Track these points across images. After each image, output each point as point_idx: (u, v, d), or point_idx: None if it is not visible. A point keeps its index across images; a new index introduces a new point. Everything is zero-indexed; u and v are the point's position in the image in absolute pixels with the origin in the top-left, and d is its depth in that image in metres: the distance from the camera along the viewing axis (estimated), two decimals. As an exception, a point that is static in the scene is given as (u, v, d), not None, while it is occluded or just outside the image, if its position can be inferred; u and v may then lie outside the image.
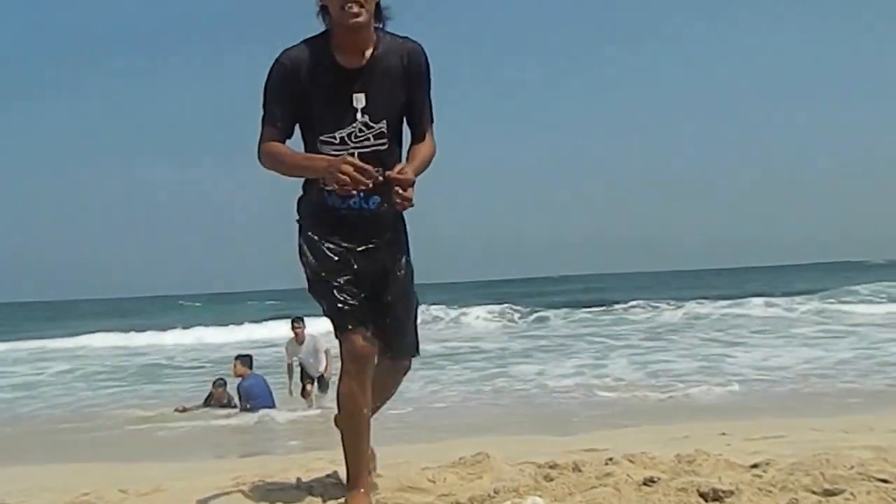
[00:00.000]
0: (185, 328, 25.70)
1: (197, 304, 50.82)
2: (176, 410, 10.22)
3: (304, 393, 10.46)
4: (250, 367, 10.24)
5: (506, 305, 26.77)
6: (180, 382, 13.72)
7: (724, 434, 4.68)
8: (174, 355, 18.93)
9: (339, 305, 2.73)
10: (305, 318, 10.54)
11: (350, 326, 2.71)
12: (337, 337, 2.75)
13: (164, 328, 25.69)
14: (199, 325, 26.34)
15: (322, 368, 10.55)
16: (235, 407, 10.11)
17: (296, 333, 10.58)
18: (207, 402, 10.33)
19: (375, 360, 2.79)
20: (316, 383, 10.60)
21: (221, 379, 10.78)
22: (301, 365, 10.60)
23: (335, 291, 2.74)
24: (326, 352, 10.47)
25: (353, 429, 2.79)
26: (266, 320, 25.93)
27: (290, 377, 10.64)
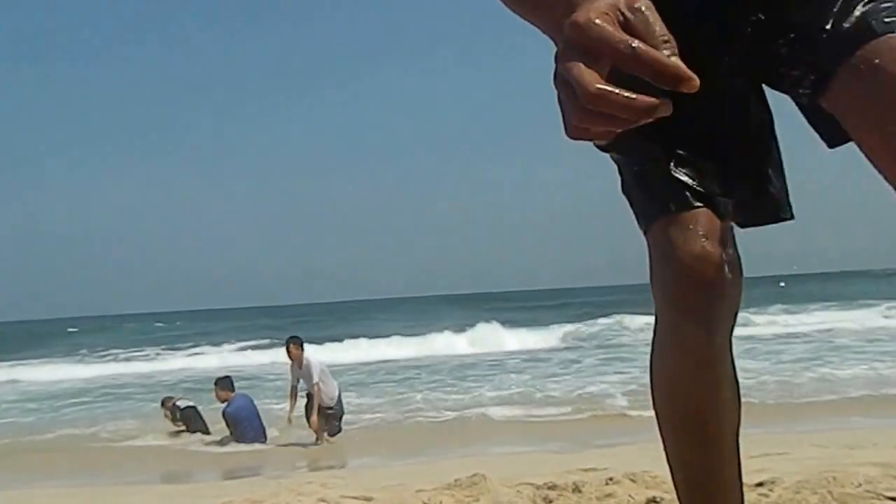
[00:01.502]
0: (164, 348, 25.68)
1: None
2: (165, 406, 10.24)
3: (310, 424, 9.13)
4: (231, 389, 9.76)
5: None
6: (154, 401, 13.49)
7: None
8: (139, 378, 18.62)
9: (662, 178, 1.29)
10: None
11: (673, 207, 1.28)
12: (646, 236, 1.35)
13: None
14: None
15: (335, 395, 9.26)
16: (198, 430, 9.94)
17: (289, 356, 9.44)
18: (186, 424, 10.17)
19: (728, 291, 1.30)
20: (321, 417, 9.09)
21: (167, 397, 10.68)
22: (307, 392, 9.30)
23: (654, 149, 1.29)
24: (315, 385, 9.08)
25: (682, 429, 1.40)
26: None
27: (292, 402, 9.35)
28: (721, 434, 1.35)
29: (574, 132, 0.80)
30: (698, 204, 1.28)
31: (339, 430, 9.22)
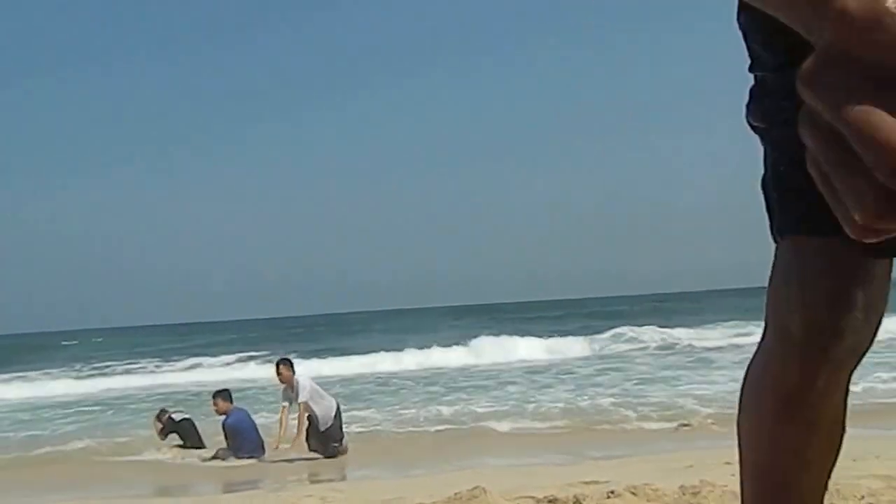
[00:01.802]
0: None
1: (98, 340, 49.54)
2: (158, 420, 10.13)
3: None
4: (231, 401, 9.75)
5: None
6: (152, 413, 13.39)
7: (728, 463, 4.57)
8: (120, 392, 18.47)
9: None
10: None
11: (808, 231, 1.11)
12: (775, 243, 1.17)
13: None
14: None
15: (330, 415, 8.96)
16: (194, 444, 9.88)
17: (279, 377, 9.24)
18: (182, 438, 10.10)
19: (853, 336, 1.13)
20: (316, 438, 8.89)
21: (161, 410, 10.60)
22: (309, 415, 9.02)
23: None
24: (302, 404, 8.88)
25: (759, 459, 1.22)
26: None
27: (282, 426, 9.10)
28: (802, 474, 1.20)
29: (863, 233, 0.39)
30: (839, 234, 1.02)
31: (338, 453, 8.89)
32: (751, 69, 1.16)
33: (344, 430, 9.16)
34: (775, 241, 1.17)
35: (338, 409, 9.16)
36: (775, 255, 1.16)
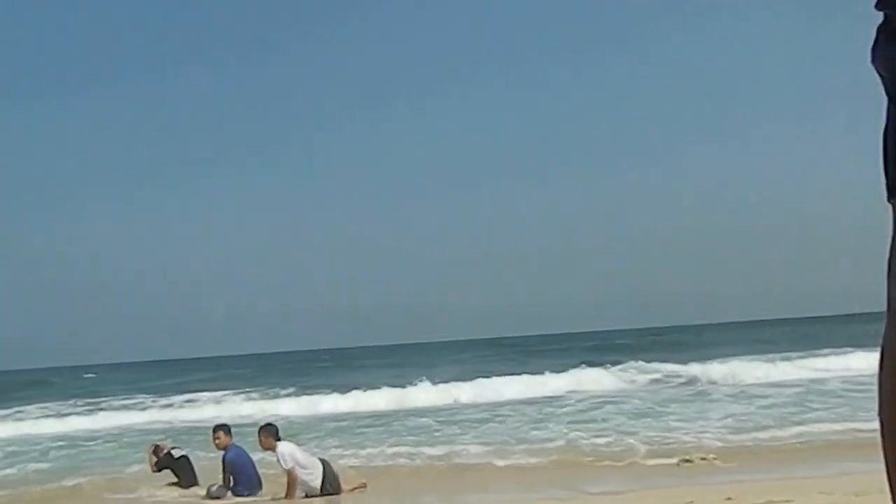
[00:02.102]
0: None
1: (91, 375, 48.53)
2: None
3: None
4: (230, 435, 9.71)
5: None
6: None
7: (729, 499, 4.52)
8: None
9: None
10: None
11: None
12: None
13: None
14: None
15: (317, 478, 8.68)
16: (190, 481, 9.76)
17: (260, 444, 9.05)
18: (175, 474, 9.96)
19: None
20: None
21: (159, 445, 10.49)
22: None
23: None
24: (289, 472, 8.64)
25: None
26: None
27: (287, 491, 8.74)
28: None
29: None
30: None
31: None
32: (877, 6, 1.05)
33: (340, 481, 8.81)
34: (889, 200, 1.05)
35: (325, 467, 8.84)
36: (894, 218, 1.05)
